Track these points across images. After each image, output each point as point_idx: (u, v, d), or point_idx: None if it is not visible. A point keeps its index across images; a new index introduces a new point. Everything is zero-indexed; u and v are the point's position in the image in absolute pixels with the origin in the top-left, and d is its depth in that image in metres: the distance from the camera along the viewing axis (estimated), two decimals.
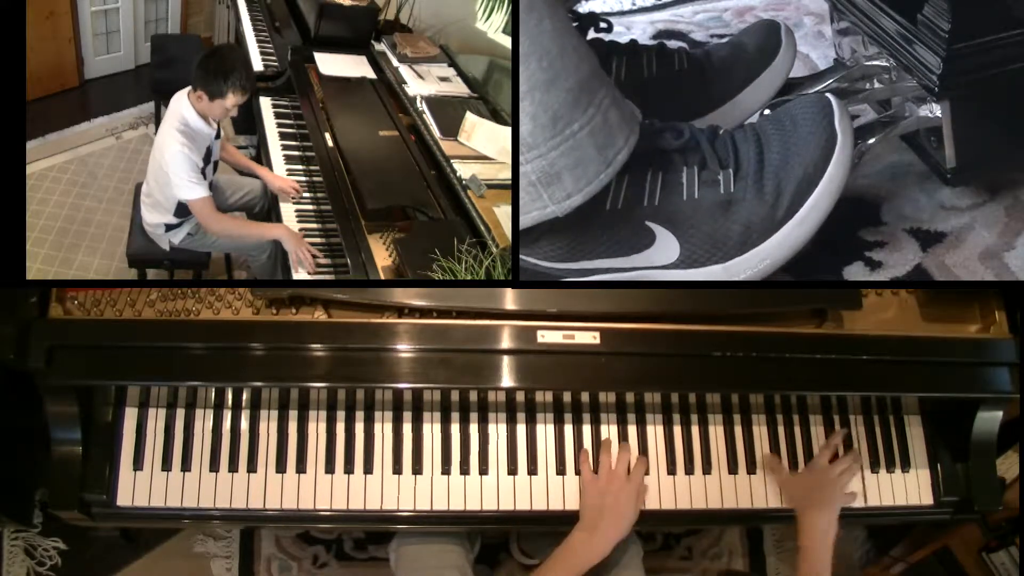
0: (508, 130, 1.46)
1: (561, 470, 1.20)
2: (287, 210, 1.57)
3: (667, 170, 1.08)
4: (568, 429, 1.22)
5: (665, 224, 1.08)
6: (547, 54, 0.95)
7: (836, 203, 1.15)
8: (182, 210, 1.54)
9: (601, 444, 1.20)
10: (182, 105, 1.47)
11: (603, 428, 1.22)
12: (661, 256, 1.09)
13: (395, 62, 2.03)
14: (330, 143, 1.67)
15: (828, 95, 1.12)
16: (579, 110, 0.98)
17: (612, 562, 1.22)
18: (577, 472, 1.20)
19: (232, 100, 1.44)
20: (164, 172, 1.47)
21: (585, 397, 1.22)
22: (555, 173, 1.00)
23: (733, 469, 1.23)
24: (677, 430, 1.23)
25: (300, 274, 1.40)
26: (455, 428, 1.20)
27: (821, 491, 1.18)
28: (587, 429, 1.22)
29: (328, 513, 1.17)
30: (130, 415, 1.17)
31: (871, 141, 1.25)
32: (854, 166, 1.28)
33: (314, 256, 1.42)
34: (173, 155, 1.44)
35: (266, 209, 1.71)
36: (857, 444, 1.26)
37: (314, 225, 1.52)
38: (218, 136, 1.56)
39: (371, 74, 2.00)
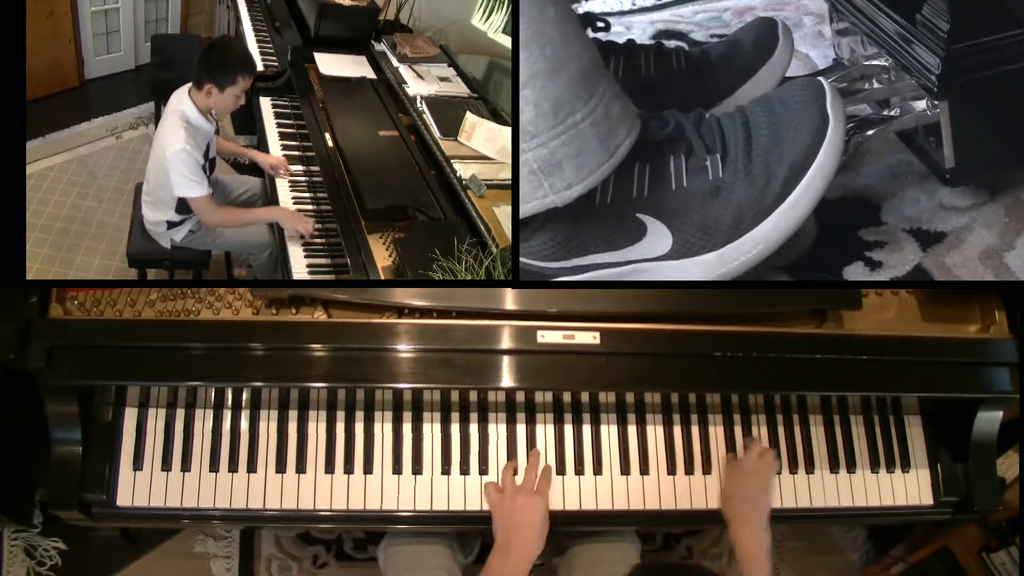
0: (508, 130, 1.46)
1: (560, 470, 1.20)
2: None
3: (654, 160, 1.07)
4: (568, 429, 1.22)
5: (656, 215, 1.07)
6: (551, 42, 0.94)
7: (836, 203, 1.15)
8: (184, 207, 1.55)
9: (504, 467, 1.18)
10: (183, 103, 1.47)
11: (603, 428, 1.22)
12: (654, 247, 1.08)
13: (395, 62, 2.03)
14: (330, 143, 1.67)
15: (819, 78, 1.11)
16: (581, 100, 0.97)
17: (610, 560, 1.22)
18: (577, 473, 1.20)
19: (242, 85, 1.47)
20: (166, 170, 1.47)
21: (585, 397, 1.22)
22: (556, 162, 0.99)
23: None
24: (677, 430, 1.23)
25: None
26: (455, 428, 1.21)
27: (742, 486, 1.17)
28: (587, 429, 1.22)
29: (328, 513, 1.17)
30: (130, 415, 1.17)
31: (869, 133, 1.25)
32: (851, 160, 1.28)
33: (313, 233, 1.44)
34: (176, 154, 1.44)
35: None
36: (857, 444, 1.26)
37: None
38: (216, 132, 1.56)
39: (371, 74, 2.00)
